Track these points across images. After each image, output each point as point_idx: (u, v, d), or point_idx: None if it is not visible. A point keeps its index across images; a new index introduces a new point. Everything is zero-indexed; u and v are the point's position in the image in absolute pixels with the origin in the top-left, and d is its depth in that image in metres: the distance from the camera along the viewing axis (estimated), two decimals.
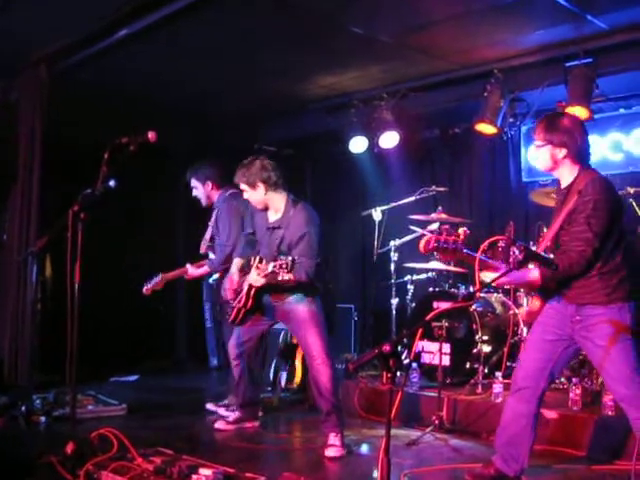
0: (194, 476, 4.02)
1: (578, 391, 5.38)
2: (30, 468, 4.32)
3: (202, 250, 6.44)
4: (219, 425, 5.83)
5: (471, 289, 6.55)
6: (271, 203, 5.33)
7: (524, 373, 4.19)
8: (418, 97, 7.72)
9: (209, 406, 6.53)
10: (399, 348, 6.44)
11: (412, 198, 7.45)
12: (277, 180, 5.28)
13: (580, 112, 6.39)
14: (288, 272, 4.79)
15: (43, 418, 5.81)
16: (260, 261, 5.16)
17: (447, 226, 3.95)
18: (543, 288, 4.06)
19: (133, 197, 6.53)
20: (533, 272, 3.95)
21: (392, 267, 7.48)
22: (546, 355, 4.12)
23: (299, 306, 5.27)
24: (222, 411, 6.32)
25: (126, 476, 4.08)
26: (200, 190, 6.34)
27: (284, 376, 7.20)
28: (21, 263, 6.69)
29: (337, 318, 8.78)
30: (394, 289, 7.49)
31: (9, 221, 7.19)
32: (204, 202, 6.41)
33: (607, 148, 7.45)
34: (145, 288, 6.42)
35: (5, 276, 7.10)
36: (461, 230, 3.88)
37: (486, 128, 7.02)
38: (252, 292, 5.31)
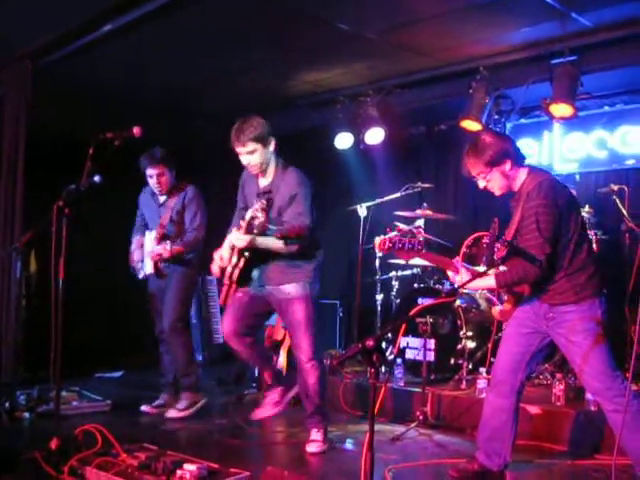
0: (178, 471, 4.03)
1: (561, 387, 5.43)
2: (14, 464, 4.31)
3: (153, 230, 6.25)
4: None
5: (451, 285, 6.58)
6: (269, 164, 5.12)
7: (502, 367, 4.24)
8: (403, 94, 7.72)
9: (145, 408, 6.32)
10: (383, 344, 6.47)
11: (397, 194, 7.46)
12: None
13: (565, 109, 6.44)
14: (264, 211, 4.77)
15: (27, 414, 5.81)
16: None
17: (403, 226, 4.03)
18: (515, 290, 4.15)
19: (116, 192, 6.49)
20: (489, 279, 4.01)
21: (377, 263, 7.50)
22: (522, 348, 4.19)
23: (294, 300, 5.04)
24: (173, 413, 6.16)
25: (110, 472, 4.09)
26: (167, 176, 6.16)
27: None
28: (5, 259, 6.66)
29: (322, 314, 8.80)
30: (379, 285, 7.52)
31: None
32: (165, 189, 6.20)
33: (591, 145, 7.49)
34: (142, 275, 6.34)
35: None
36: (416, 229, 3.97)
37: (471, 125, 7.04)
38: (236, 253, 4.97)
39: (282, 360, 7.12)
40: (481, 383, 5.72)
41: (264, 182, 5.14)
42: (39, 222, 4.67)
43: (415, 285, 7.23)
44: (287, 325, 5.31)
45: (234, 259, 4.98)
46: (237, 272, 4.99)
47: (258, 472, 4.13)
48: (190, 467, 4.05)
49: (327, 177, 9.65)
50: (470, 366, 6.31)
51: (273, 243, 4.88)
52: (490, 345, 6.11)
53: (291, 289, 5.03)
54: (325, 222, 9.82)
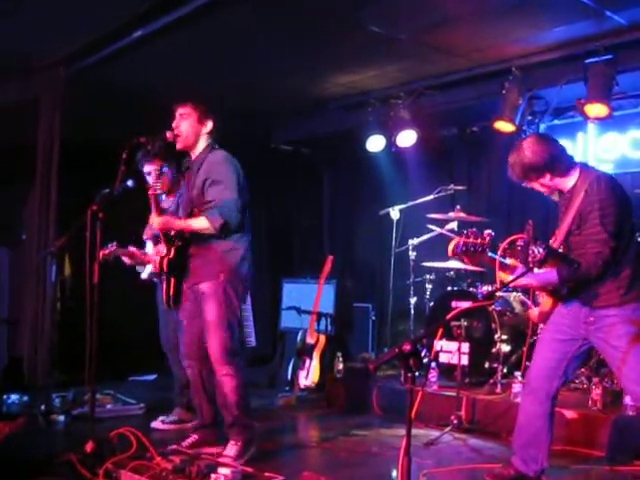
0: (213, 475, 4.02)
1: (598, 391, 5.35)
2: (50, 467, 4.34)
3: (147, 236, 5.91)
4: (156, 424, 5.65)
5: (490, 288, 6.52)
6: (197, 143, 4.87)
7: (536, 373, 4.16)
8: (435, 95, 7.70)
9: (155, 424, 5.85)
10: (419, 347, 6.43)
11: (430, 197, 7.43)
12: None
13: (600, 109, 6.36)
14: (158, 178, 4.65)
15: (62, 417, 5.84)
16: None
17: (474, 229, 3.92)
18: (557, 290, 4.04)
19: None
20: (551, 273, 3.91)
21: (410, 266, 7.46)
22: (559, 355, 4.09)
23: (208, 297, 4.62)
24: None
25: (145, 475, 4.09)
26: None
27: (302, 375, 7.20)
28: (40, 263, 6.72)
29: (354, 317, 8.79)
30: (412, 288, 7.48)
31: (28, 220, 7.23)
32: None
33: (627, 146, 7.38)
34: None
35: (25, 275, 7.14)
36: (486, 233, 3.87)
37: (504, 126, 6.98)
38: (163, 242, 4.71)
39: (315, 365, 7.12)
40: (516, 387, 5.66)
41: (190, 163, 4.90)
42: (73, 226, 4.69)
43: (449, 288, 7.18)
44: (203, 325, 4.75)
45: (164, 250, 4.74)
46: (166, 262, 4.70)
47: (292, 476, 4.10)
48: (224, 471, 4.04)
49: (359, 180, 9.68)
50: (505, 370, 6.25)
51: (197, 224, 4.59)
52: (525, 349, 6.03)
53: (203, 286, 4.67)
54: (358, 225, 9.91)
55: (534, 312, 4.29)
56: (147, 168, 5.73)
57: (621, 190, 3.98)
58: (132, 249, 5.72)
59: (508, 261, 4.03)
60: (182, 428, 5.51)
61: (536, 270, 3.88)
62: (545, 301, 4.18)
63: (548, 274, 3.92)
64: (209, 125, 4.81)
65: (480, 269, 6.82)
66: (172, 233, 4.68)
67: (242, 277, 4.76)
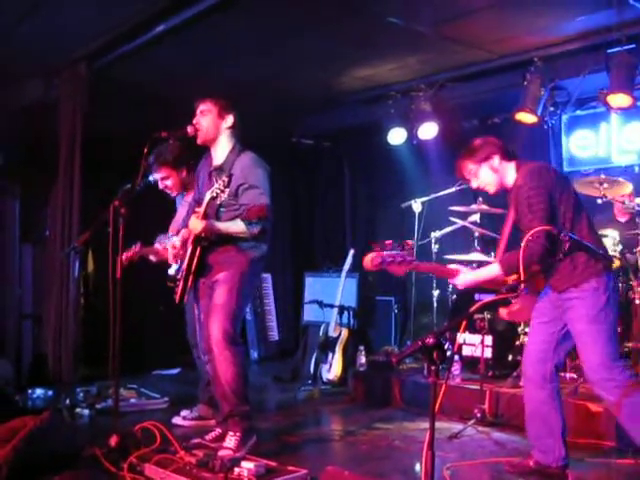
0: (236, 469, 4.04)
1: None
2: (75, 460, 4.37)
3: (173, 233, 5.62)
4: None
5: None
6: (218, 138, 4.88)
7: (529, 360, 4.24)
8: (456, 87, 7.66)
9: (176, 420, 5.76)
10: (442, 340, 6.41)
11: (452, 189, 7.37)
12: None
13: (622, 99, 6.30)
14: (227, 188, 4.52)
15: (87, 411, 5.88)
16: None
17: (390, 241, 4.01)
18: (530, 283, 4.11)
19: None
20: (492, 266, 4.04)
21: (433, 259, 7.43)
22: (545, 337, 4.17)
23: (222, 283, 4.66)
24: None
25: (169, 469, 4.12)
26: (175, 179, 5.67)
27: (325, 369, 7.20)
28: (64, 258, 6.76)
29: (377, 311, 8.78)
30: (435, 281, 7.44)
31: (51, 217, 7.28)
32: (177, 191, 5.76)
33: None
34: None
35: (48, 271, 7.19)
36: (409, 242, 3.97)
37: (526, 117, 6.93)
38: (191, 242, 4.69)
39: (337, 358, 7.12)
40: None
41: (217, 162, 4.86)
42: (96, 222, 4.71)
43: None
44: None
45: (190, 249, 4.71)
46: (195, 263, 4.70)
47: (315, 469, 4.10)
48: (248, 465, 4.05)
49: (381, 173, 9.66)
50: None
51: (235, 227, 4.60)
52: None
53: (219, 276, 4.69)
54: (380, 218, 9.89)
55: (504, 311, 4.29)
56: (166, 172, 5.66)
57: (548, 175, 4.07)
58: (157, 247, 5.71)
59: (452, 266, 4.21)
60: (203, 425, 5.49)
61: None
62: (515, 301, 4.26)
63: (490, 268, 4.06)
64: (229, 120, 4.81)
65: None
66: (203, 235, 4.66)
67: (257, 272, 4.86)
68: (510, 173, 4.21)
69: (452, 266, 4.24)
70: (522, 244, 3.79)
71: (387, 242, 3.94)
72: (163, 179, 5.62)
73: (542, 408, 4.17)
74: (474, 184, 4.34)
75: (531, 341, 4.28)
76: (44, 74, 7.15)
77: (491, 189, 4.29)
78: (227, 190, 4.57)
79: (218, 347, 4.60)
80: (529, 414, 4.25)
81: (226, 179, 4.56)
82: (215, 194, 4.57)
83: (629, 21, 6.00)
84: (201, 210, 4.62)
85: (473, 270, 4.22)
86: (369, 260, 3.89)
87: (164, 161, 5.53)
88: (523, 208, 3.96)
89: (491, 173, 4.24)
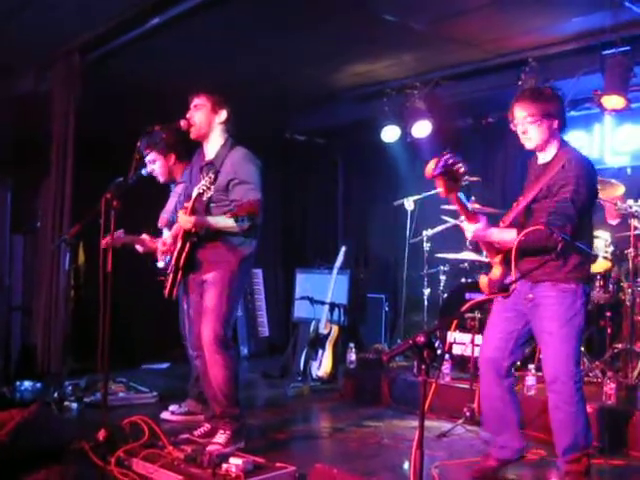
0: (224, 465, 4.03)
1: (613, 385, 5.31)
2: (62, 454, 4.36)
3: (162, 224, 5.65)
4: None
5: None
6: (211, 133, 4.85)
7: (486, 355, 4.18)
8: (451, 86, 7.66)
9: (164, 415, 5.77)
10: (433, 339, 6.41)
11: None
12: None
13: (617, 101, 6.30)
14: (212, 185, 4.49)
15: (75, 405, 5.87)
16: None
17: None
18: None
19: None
20: (511, 232, 3.87)
21: (424, 257, 7.43)
22: (505, 334, 4.12)
23: (212, 284, 4.64)
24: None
25: (157, 464, 4.12)
26: (162, 164, 5.69)
27: (314, 366, 7.20)
28: (54, 250, 6.74)
29: (368, 308, 8.78)
30: (426, 279, 7.45)
31: (43, 209, 7.24)
32: (163, 178, 5.74)
33: None
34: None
35: (39, 263, 7.16)
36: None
37: None
38: (181, 238, 4.66)
39: (327, 355, 7.11)
40: (529, 380, 5.63)
41: (208, 157, 4.83)
42: (87, 214, 4.69)
43: (463, 280, 7.15)
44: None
45: (179, 244, 4.68)
46: (184, 258, 4.65)
47: (304, 466, 4.10)
48: (236, 461, 4.04)
49: (374, 171, 9.66)
50: (518, 362, 6.21)
51: (224, 222, 4.56)
52: None
53: (209, 276, 4.67)
54: (372, 216, 9.89)
55: (483, 280, 4.18)
56: (153, 156, 5.64)
57: (595, 175, 4.03)
58: (144, 236, 5.64)
59: (470, 206, 4.00)
60: (192, 420, 5.48)
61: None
62: (495, 270, 4.10)
63: (508, 232, 3.90)
64: (223, 115, 4.79)
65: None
66: (193, 230, 4.63)
67: (247, 271, 4.83)
68: (554, 145, 4.02)
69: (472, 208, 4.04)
70: (544, 223, 3.71)
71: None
72: (149, 162, 5.57)
73: (498, 404, 4.15)
74: (519, 129, 4.04)
75: (490, 335, 4.20)
76: (37, 65, 7.11)
77: (529, 145, 4.05)
78: (213, 187, 4.55)
79: (209, 351, 4.58)
80: (486, 410, 4.23)
81: (212, 175, 4.55)
82: (202, 190, 4.56)
83: (624, 23, 5.99)
84: (189, 206, 4.61)
85: (490, 227, 3.95)
86: (434, 164, 3.79)
87: (152, 144, 5.39)
88: (565, 192, 3.81)
89: (545, 132, 3.98)
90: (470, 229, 3.93)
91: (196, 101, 4.78)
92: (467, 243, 6.68)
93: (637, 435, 4.47)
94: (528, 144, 4.06)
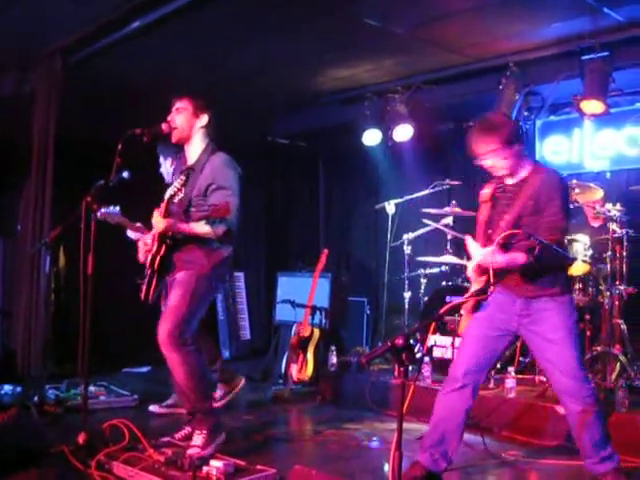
0: (205, 468, 4.03)
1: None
2: (42, 458, 4.34)
3: None
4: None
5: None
6: (192, 137, 4.84)
7: (467, 369, 4.09)
8: (432, 90, 7.69)
9: (152, 408, 6.01)
10: (412, 342, 6.43)
11: (426, 192, 7.43)
12: None
13: (596, 106, 6.36)
14: (184, 186, 4.46)
15: (55, 408, 5.83)
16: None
17: None
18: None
19: (145, 188, 6.50)
20: (519, 255, 3.85)
21: (405, 260, 7.46)
22: (489, 351, 4.11)
23: (178, 284, 4.60)
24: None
25: (137, 467, 4.11)
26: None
27: (295, 369, 7.20)
28: (34, 254, 6.71)
29: (349, 311, 8.80)
30: (407, 283, 7.47)
31: (23, 212, 7.21)
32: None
33: (623, 143, 7.39)
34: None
35: (19, 266, 7.13)
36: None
37: None
38: (156, 239, 4.59)
39: (309, 358, 7.11)
40: (509, 382, 5.66)
41: (190, 161, 4.80)
42: (68, 218, 4.68)
43: (443, 283, 7.19)
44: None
45: (155, 246, 4.61)
46: (158, 260, 4.60)
47: (284, 469, 4.11)
48: (217, 463, 4.05)
49: (355, 174, 9.69)
50: (498, 365, 6.25)
51: (198, 229, 4.53)
52: (519, 344, 6.05)
53: (178, 275, 4.64)
54: (353, 219, 9.91)
55: (463, 325, 4.20)
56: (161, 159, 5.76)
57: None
58: (139, 225, 5.61)
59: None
60: (180, 412, 5.50)
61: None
62: (465, 317, 4.15)
63: (516, 256, 3.87)
64: (204, 119, 4.78)
65: None
66: (169, 233, 4.61)
67: (219, 276, 4.78)
68: (525, 166, 4.04)
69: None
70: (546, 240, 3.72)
71: None
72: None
73: (457, 418, 4.09)
74: (487, 163, 4.03)
75: (473, 351, 4.11)
76: (19, 67, 7.08)
77: (499, 173, 4.06)
78: (184, 189, 4.55)
79: (165, 349, 4.53)
80: (439, 420, 4.13)
81: (184, 177, 4.55)
82: (173, 192, 4.56)
83: (603, 29, 6.06)
84: (162, 207, 4.60)
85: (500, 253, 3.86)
86: None
87: (172, 154, 5.50)
88: (555, 206, 3.87)
89: (513, 159, 3.98)
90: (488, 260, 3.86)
91: (178, 104, 4.77)
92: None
93: (616, 437, 4.48)
94: (498, 173, 4.09)
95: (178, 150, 5.36)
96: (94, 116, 7.52)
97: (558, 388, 4.05)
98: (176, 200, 4.59)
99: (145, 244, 4.80)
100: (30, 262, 6.84)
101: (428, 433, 4.17)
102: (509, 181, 4.11)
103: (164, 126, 4.71)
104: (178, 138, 4.78)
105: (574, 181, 6.13)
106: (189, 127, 4.76)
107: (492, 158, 3.99)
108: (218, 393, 5.99)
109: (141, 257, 4.89)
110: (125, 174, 4.77)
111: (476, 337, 4.12)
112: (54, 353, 7.02)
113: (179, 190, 4.57)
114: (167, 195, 4.61)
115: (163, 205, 4.60)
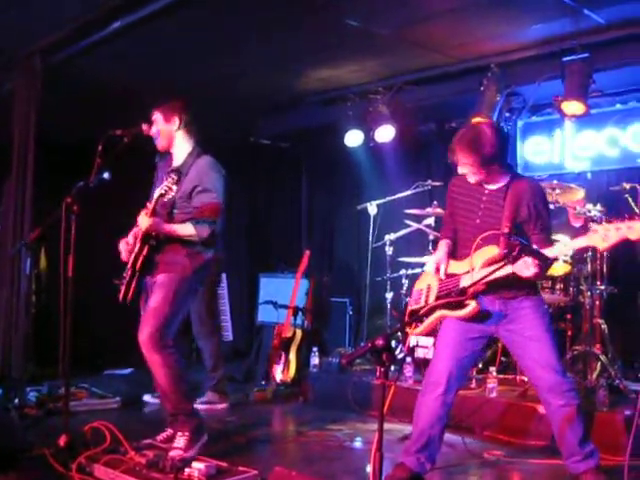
0: (186, 469, 4.02)
1: None
2: (22, 460, 4.31)
3: None
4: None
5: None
6: (173, 141, 4.86)
7: (449, 373, 4.09)
8: (414, 91, 7.70)
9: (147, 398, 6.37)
10: (393, 342, 6.44)
11: (408, 192, 7.45)
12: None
13: (576, 107, 6.40)
14: (175, 185, 4.45)
15: (36, 410, 5.80)
16: None
17: None
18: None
19: (128, 190, 6.47)
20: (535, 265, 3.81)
21: (387, 261, 7.48)
22: (470, 354, 4.15)
23: (159, 286, 4.61)
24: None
25: (118, 469, 4.09)
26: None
27: (278, 370, 7.20)
28: (14, 255, 6.66)
29: (331, 312, 8.80)
30: (389, 283, 7.49)
31: (3, 214, 7.16)
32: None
33: (603, 144, 7.42)
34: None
35: (0, 267, 7.08)
36: None
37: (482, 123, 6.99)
38: (140, 240, 4.59)
39: (291, 359, 7.12)
40: (491, 383, 5.69)
41: (176, 163, 4.81)
42: (48, 219, 4.65)
43: None
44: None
45: (137, 246, 4.63)
46: (141, 261, 4.60)
47: (266, 470, 4.10)
48: (198, 465, 4.04)
49: (337, 175, 9.69)
50: (480, 365, 6.28)
51: (183, 230, 4.57)
52: (500, 344, 6.08)
53: (160, 277, 4.65)
54: (335, 220, 9.91)
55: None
56: (156, 115, 5.53)
57: None
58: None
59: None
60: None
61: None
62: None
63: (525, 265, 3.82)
64: (176, 121, 4.78)
65: None
66: (153, 233, 4.61)
67: (201, 278, 4.80)
68: (503, 176, 4.10)
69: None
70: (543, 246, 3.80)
71: None
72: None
73: (440, 423, 4.11)
74: (461, 170, 4.09)
75: (452, 355, 4.11)
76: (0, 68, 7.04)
77: (473, 180, 4.10)
78: (175, 187, 4.52)
79: (145, 351, 4.53)
80: (425, 426, 4.12)
81: (175, 177, 4.52)
82: (164, 191, 4.52)
83: (584, 30, 6.09)
84: (150, 207, 4.58)
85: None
86: None
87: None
88: (546, 215, 4.04)
89: (487, 174, 4.05)
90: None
91: (153, 116, 4.81)
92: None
93: (597, 436, 4.51)
94: (472, 181, 4.13)
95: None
96: (75, 116, 7.49)
97: (539, 385, 4.07)
98: (166, 199, 4.57)
99: (127, 243, 4.79)
100: (10, 263, 6.80)
101: (414, 439, 4.15)
102: (491, 187, 4.13)
103: (145, 127, 4.71)
104: (161, 147, 4.84)
105: (555, 182, 6.16)
106: (166, 135, 4.80)
107: (468, 169, 4.07)
108: (204, 399, 5.99)
109: (124, 256, 4.88)
110: (106, 175, 4.74)
111: (457, 341, 4.12)
112: (35, 355, 6.97)
113: (169, 189, 4.53)
114: (156, 194, 4.58)
115: (152, 204, 4.58)
